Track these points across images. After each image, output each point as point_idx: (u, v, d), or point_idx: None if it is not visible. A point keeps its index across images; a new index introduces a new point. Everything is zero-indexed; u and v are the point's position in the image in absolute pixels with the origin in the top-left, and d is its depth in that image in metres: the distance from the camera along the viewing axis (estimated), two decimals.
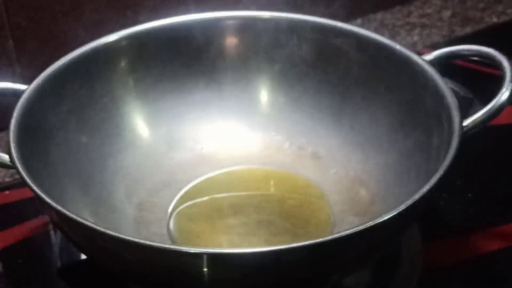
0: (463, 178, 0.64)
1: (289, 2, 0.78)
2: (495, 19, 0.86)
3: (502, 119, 0.56)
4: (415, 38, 0.83)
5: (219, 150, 0.65)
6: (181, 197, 0.61)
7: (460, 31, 0.84)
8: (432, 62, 0.58)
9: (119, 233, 0.46)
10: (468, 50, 0.59)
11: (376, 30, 0.82)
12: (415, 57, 0.58)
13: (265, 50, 0.64)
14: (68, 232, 0.52)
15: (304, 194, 0.61)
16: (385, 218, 0.47)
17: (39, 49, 0.71)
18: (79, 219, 0.47)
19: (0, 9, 0.68)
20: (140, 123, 0.64)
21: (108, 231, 0.46)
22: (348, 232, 0.46)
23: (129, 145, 0.62)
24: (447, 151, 0.51)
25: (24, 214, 0.63)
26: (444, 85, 0.56)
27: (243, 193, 0.61)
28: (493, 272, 0.58)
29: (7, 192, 0.65)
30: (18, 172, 0.51)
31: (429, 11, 0.87)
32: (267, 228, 0.58)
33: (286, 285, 0.49)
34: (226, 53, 0.65)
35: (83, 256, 0.58)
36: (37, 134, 0.56)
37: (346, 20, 0.77)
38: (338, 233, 0.46)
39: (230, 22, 0.64)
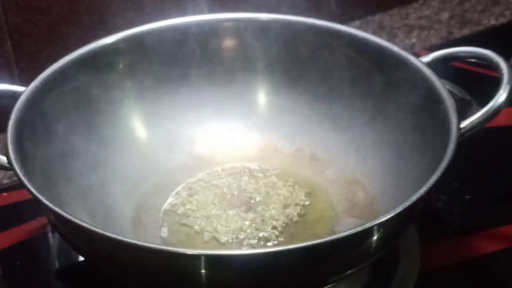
0: (461, 180, 0.64)
1: (287, 4, 0.78)
2: (493, 21, 0.86)
3: (499, 121, 0.56)
4: (413, 40, 0.83)
5: (217, 152, 0.65)
6: (179, 198, 0.61)
7: (458, 33, 0.84)
8: (430, 64, 0.58)
9: (116, 235, 0.46)
10: (466, 52, 0.59)
11: (374, 32, 0.82)
12: (413, 59, 0.58)
13: (263, 52, 0.64)
14: (66, 234, 0.52)
15: (302, 195, 0.61)
16: (383, 219, 0.47)
17: (37, 51, 0.71)
18: (76, 220, 0.47)
19: None
20: (138, 124, 0.64)
21: (106, 233, 0.46)
22: (346, 233, 0.46)
23: (127, 147, 0.62)
24: (444, 153, 0.51)
25: (22, 216, 0.63)
26: (442, 87, 0.56)
27: (240, 194, 0.61)
28: (491, 274, 0.58)
29: (5, 194, 0.65)
30: (16, 174, 0.50)
31: (427, 13, 0.87)
32: (265, 230, 0.58)
33: (284, 286, 0.49)
34: (224, 55, 0.65)
35: (81, 258, 0.58)
36: (35, 135, 0.55)
37: (344, 22, 0.76)
38: (336, 234, 0.46)
39: (228, 24, 0.64)
